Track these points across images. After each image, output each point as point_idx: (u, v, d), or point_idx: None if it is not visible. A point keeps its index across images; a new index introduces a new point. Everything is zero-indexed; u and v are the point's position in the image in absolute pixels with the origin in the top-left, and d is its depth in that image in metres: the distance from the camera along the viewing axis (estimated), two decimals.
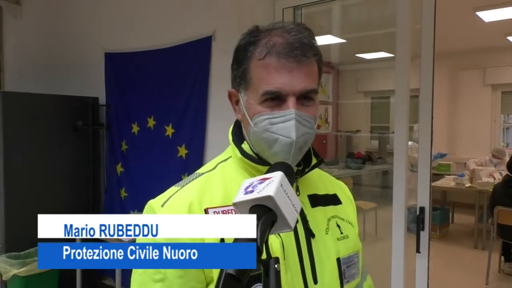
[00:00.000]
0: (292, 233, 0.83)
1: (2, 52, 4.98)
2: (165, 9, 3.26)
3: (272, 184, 0.64)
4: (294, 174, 0.79)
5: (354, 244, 0.93)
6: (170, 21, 3.23)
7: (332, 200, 0.96)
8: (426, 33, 2.10)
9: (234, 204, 0.66)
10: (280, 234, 0.80)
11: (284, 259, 0.81)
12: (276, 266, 0.61)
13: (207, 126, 3.01)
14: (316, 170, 0.98)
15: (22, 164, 3.35)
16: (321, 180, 0.98)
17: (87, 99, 3.73)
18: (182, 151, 3.14)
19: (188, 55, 3.08)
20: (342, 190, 1.03)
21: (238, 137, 0.91)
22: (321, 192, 0.94)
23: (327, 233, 0.89)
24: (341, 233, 0.91)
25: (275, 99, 0.81)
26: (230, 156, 0.91)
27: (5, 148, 3.25)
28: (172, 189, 0.86)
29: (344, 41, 5.60)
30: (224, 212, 0.81)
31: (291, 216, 0.65)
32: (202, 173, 0.89)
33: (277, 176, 0.66)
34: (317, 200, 0.92)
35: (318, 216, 0.89)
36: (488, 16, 5.11)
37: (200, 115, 3.02)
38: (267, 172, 0.72)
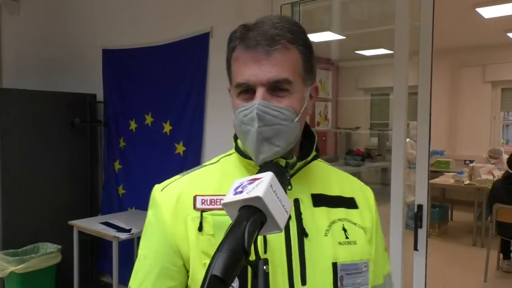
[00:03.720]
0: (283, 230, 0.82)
1: (0, 49, 4.96)
2: (163, 6, 3.24)
3: (261, 185, 0.63)
4: (285, 174, 0.78)
5: (363, 252, 0.88)
6: (167, 17, 3.21)
7: (346, 203, 0.91)
8: (425, 30, 2.09)
9: (224, 205, 0.65)
10: None
11: (265, 253, 0.80)
12: (264, 267, 0.61)
13: (205, 123, 3.00)
14: (336, 171, 0.98)
15: (20, 161, 3.35)
16: (339, 181, 0.95)
17: (85, 96, 3.72)
18: (180, 148, 3.13)
19: (185, 51, 3.06)
20: (365, 196, 0.97)
21: None
22: (333, 193, 0.91)
23: (326, 235, 0.85)
24: (347, 237, 0.86)
25: (249, 91, 0.81)
26: (234, 152, 0.93)
27: (2, 145, 3.24)
28: (176, 176, 0.93)
29: (344, 37, 5.59)
30: (212, 201, 0.83)
31: (281, 217, 0.64)
32: (205, 165, 0.94)
33: (267, 176, 0.65)
34: (323, 200, 0.88)
35: (318, 216, 0.86)
36: (488, 12, 5.09)
37: (198, 112, 3.01)
38: (259, 172, 0.72)
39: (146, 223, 0.90)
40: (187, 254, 0.83)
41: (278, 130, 0.81)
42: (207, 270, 0.55)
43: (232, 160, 0.92)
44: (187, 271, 0.84)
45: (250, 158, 0.86)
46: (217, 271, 0.54)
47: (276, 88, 0.81)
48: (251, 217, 0.61)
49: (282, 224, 0.64)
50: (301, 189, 0.87)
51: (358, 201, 0.94)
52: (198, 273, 0.81)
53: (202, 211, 0.83)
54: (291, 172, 0.86)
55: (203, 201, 0.84)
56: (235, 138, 0.92)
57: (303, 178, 0.89)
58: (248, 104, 0.81)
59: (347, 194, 0.93)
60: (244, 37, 0.81)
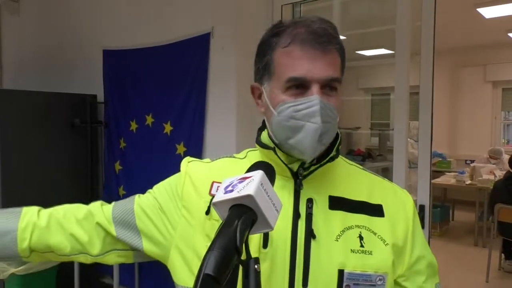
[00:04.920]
0: (290, 229, 0.81)
1: (0, 50, 4.96)
2: (163, 6, 3.23)
3: (252, 183, 0.63)
4: (275, 173, 0.78)
5: (380, 264, 0.82)
6: (168, 18, 3.21)
7: (369, 209, 0.87)
8: (426, 29, 2.08)
9: (214, 204, 0.65)
10: (276, 227, 0.79)
11: (265, 247, 0.79)
12: (256, 266, 0.60)
13: (205, 123, 2.99)
14: (368, 175, 0.95)
15: (20, 162, 3.33)
16: (369, 186, 0.91)
17: (85, 97, 3.71)
18: (181, 149, 3.12)
19: (186, 52, 3.05)
20: (402, 203, 0.91)
21: (263, 128, 0.94)
22: (356, 198, 0.87)
23: (337, 240, 0.81)
24: (362, 246, 0.82)
25: (299, 87, 0.81)
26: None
27: (2, 146, 3.22)
28: (206, 159, 0.99)
29: (344, 37, 5.58)
30: None
31: (272, 216, 0.64)
32: (234, 157, 0.97)
33: (257, 175, 0.65)
34: (341, 204, 0.85)
35: (332, 220, 0.83)
36: (488, 12, 5.09)
37: (199, 113, 3.00)
38: (248, 171, 0.71)
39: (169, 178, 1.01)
40: (179, 217, 0.90)
41: (329, 128, 0.81)
42: (199, 269, 0.55)
43: (256, 154, 0.94)
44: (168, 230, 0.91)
45: (267, 148, 0.87)
46: (209, 269, 0.54)
47: (327, 86, 0.81)
48: (242, 215, 0.61)
49: (273, 223, 0.64)
50: (316, 190, 0.85)
51: (388, 209, 0.88)
52: (203, 252, 0.82)
53: (214, 196, 0.85)
54: (304, 173, 0.85)
55: (219, 188, 0.86)
56: (260, 131, 0.93)
57: (322, 179, 0.86)
58: (303, 99, 0.80)
59: (374, 200, 0.88)
60: (300, 33, 0.81)
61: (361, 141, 7.65)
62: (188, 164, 0.96)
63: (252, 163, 0.89)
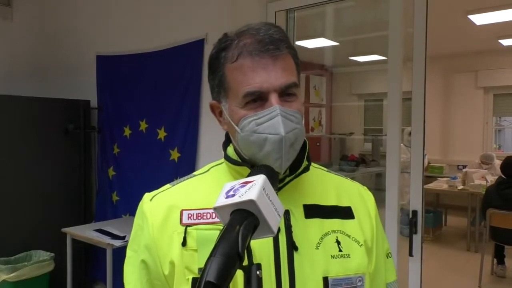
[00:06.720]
0: (271, 243, 0.79)
1: None
2: (158, 12, 3.24)
3: (254, 188, 0.62)
4: (277, 177, 0.77)
5: (358, 265, 0.84)
6: (162, 24, 3.21)
7: (341, 213, 0.87)
8: (418, 36, 2.10)
9: (215, 209, 0.63)
10: (257, 241, 0.78)
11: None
12: (258, 272, 0.59)
13: (199, 129, 2.99)
14: (333, 177, 0.95)
15: (12, 168, 3.31)
16: (336, 189, 0.91)
17: (79, 102, 3.70)
18: (175, 155, 3.12)
19: (180, 58, 3.06)
20: (364, 201, 0.93)
21: (228, 142, 0.91)
22: (328, 203, 0.87)
23: (318, 248, 0.81)
24: (340, 250, 0.83)
25: (257, 100, 0.78)
26: (224, 161, 0.91)
27: None
28: (166, 186, 0.91)
29: (337, 44, 5.62)
30: (199, 215, 0.82)
31: (274, 221, 0.63)
32: (195, 175, 0.92)
33: (260, 179, 0.64)
34: (316, 211, 0.85)
35: (310, 229, 0.83)
36: (480, 19, 5.15)
37: (193, 119, 3.01)
38: (250, 175, 0.70)
39: (135, 229, 0.90)
40: (167, 271, 0.81)
41: (297, 134, 0.79)
42: (201, 276, 0.54)
43: (222, 169, 0.90)
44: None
45: (241, 164, 0.84)
46: (211, 277, 0.53)
47: (285, 93, 0.79)
48: (244, 221, 0.60)
49: (275, 228, 0.63)
50: (292, 200, 0.84)
51: (356, 209, 0.90)
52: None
53: (187, 226, 0.81)
54: (279, 185, 0.83)
55: (190, 215, 0.82)
56: (225, 146, 0.90)
57: (295, 188, 0.85)
58: (264, 111, 0.78)
59: (343, 203, 0.89)
60: (246, 44, 0.79)
61: (354, 146, 7.67)
62: (150, 202, 0.89)
63: (215, 179, 0.88)
